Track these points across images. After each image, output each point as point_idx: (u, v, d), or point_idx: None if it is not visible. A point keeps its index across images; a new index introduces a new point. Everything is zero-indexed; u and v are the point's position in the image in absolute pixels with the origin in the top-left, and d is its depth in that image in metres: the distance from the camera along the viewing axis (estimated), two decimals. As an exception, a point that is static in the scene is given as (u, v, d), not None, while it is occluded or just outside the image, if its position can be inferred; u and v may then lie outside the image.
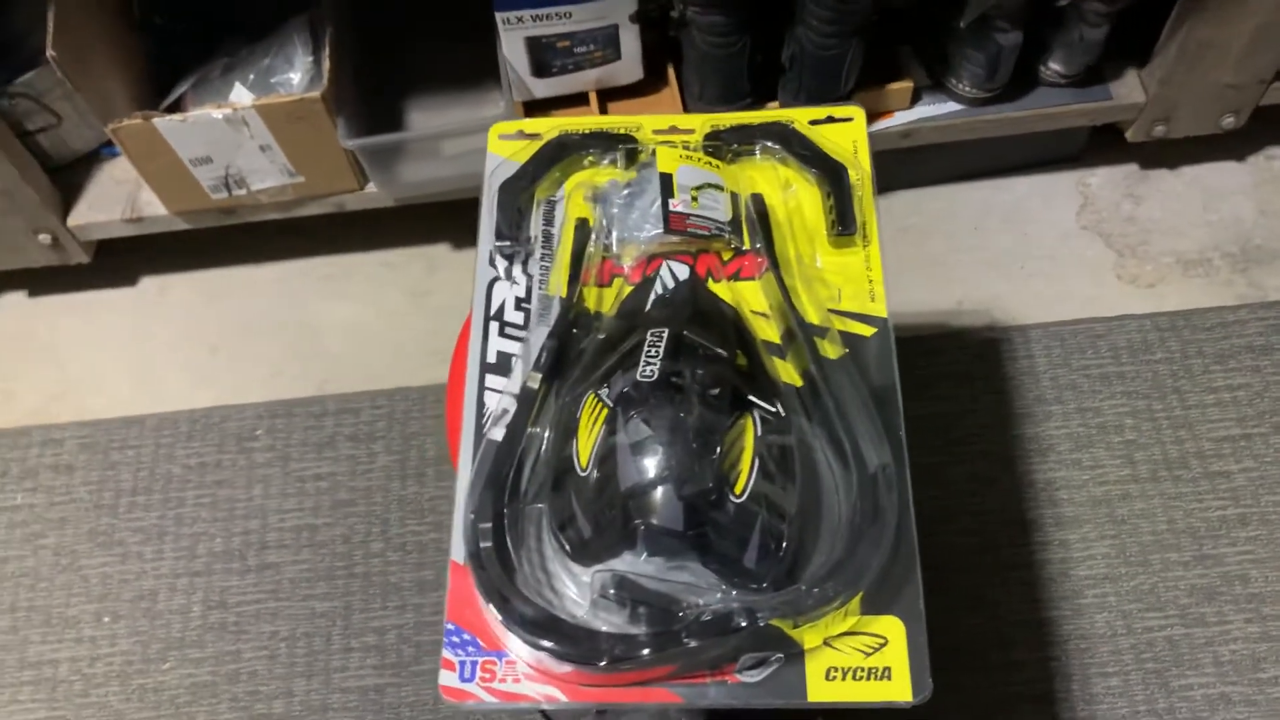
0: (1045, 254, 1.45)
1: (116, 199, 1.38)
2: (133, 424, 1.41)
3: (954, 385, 1.35)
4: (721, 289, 0.82)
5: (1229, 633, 1.19)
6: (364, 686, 1.22)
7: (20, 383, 1.47)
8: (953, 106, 1.34)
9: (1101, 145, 1.50)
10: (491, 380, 0.79)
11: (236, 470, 1.36)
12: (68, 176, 1.39)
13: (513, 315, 0.82)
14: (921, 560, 0.72)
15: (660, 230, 0.81)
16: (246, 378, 1.45)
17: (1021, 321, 1.39)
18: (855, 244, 0.82)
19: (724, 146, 0.86)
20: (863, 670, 0.69)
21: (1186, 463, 1.28)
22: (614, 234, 0.83)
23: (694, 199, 0.82)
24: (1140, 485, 1.27)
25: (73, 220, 1.37)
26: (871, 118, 1.14)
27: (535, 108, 1.32)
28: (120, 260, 1.52)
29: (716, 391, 0.72)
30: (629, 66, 1.30)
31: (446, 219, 1.49)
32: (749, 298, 0.82)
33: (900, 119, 1.34)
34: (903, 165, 1.45)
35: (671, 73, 1.33)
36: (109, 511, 1.35)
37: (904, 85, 1.32)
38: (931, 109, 1.34)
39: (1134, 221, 1.47)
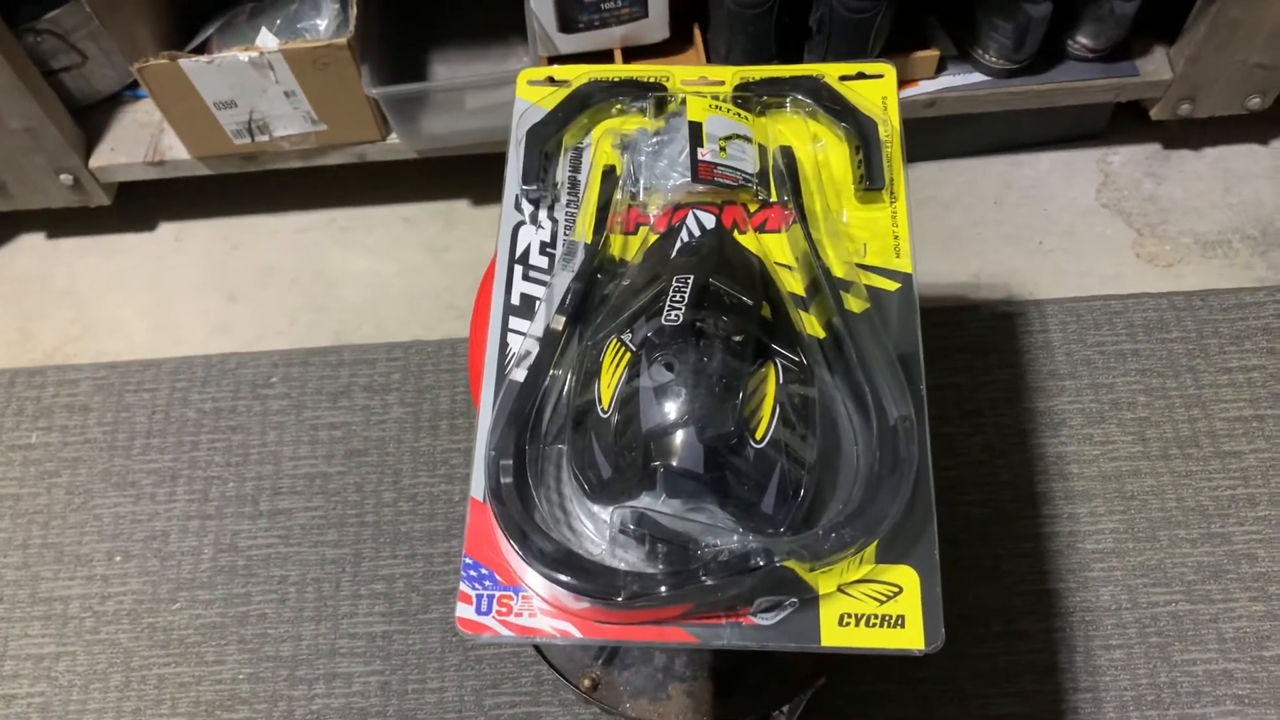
0: (1064, 230, 1.45)
1: (139, 141, 1.38)
2: (149, 367, 1.41)
3: (970, 357, 1.35)
4: (747, 240, 0.82)
5: (1233, 610, 1.19)
6: (372, 633, 1.23)
7: (37, 323, 1.48)
8: (978, 77, 1.34)
9: (1124, 124, 1.49)
10: (514, 322, 0.79)
11: (251, 416, 1.37)
12: (91, 117, 1.40)
13: (537, 259, 0.82)
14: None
15: (688, 179, 0.81)
16: (263, 326, 1.45)
17: (1038, 296, 1.39)
18: (882, 199, 0.82)
19: (753, 99, 0.86)
20: (876, 617, 0.69)
21: (1198, 441, 1.28)
22: (641, 182, 0.83)
23: (722, 149, 0.82)
24: (1151, 462, 1.27)
25: (94, 161, 1.38)
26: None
27: (559, 64, 1.32)
28: (140, 205, 1.53)
29: (740, 339, 0.72)
30: (655, 24, 1.29)
31: (466, 175, 1.50)
32: (773, 250, 0.82)
33: (925, 88, 1.34)
34: (925, 137, 1.45)
35: (698, 33, 1.33)
36: (123, 453, 1.36)
37: (930, 54, 1.32)
38: (956, 79, 1.34)
39: (1154, 201, 1.46)
